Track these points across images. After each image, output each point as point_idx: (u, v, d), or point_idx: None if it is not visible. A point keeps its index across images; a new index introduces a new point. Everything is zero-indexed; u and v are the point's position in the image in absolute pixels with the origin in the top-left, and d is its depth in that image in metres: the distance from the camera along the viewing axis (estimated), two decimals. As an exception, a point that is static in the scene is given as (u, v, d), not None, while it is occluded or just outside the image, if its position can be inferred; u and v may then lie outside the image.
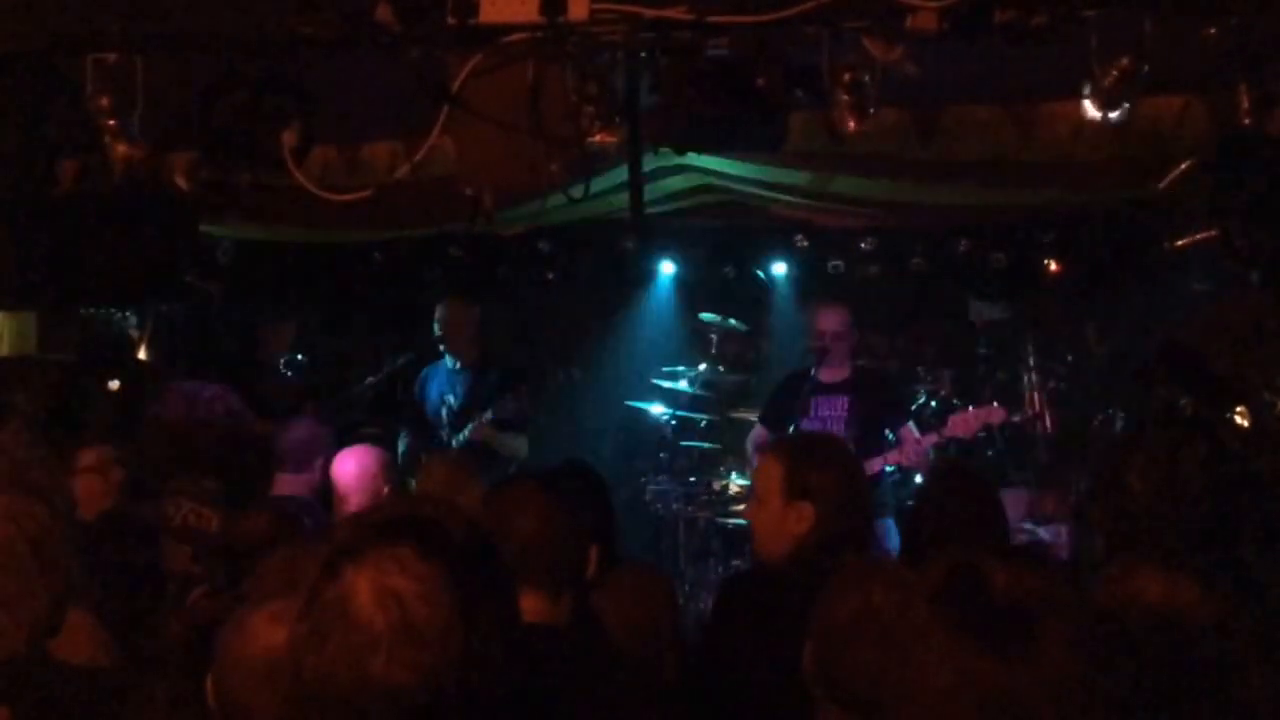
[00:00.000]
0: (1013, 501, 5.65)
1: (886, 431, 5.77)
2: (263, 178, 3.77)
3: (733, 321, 7.41)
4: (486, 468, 5.10)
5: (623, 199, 4.73)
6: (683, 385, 7.28)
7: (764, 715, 2.56)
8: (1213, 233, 4.43)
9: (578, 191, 3.64)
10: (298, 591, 1.48)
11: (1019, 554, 1.46)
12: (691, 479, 7.19)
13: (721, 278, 8.05)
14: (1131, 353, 6.53)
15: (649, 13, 3.32)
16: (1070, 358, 7.16)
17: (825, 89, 3.49)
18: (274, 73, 3.66)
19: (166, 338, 6.85)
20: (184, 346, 7.11)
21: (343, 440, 4.76)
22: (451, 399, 6.25)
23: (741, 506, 6.62)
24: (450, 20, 3.32)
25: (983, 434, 6.16)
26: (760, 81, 3.44)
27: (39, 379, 5.14)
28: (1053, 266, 7.32)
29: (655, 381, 7.45)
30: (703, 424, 7.42)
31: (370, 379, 7.05)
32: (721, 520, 6.92)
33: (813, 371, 5.81)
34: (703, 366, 7.34)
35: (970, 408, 5.96)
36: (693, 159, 5.00)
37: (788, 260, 7.96)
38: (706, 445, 7.42)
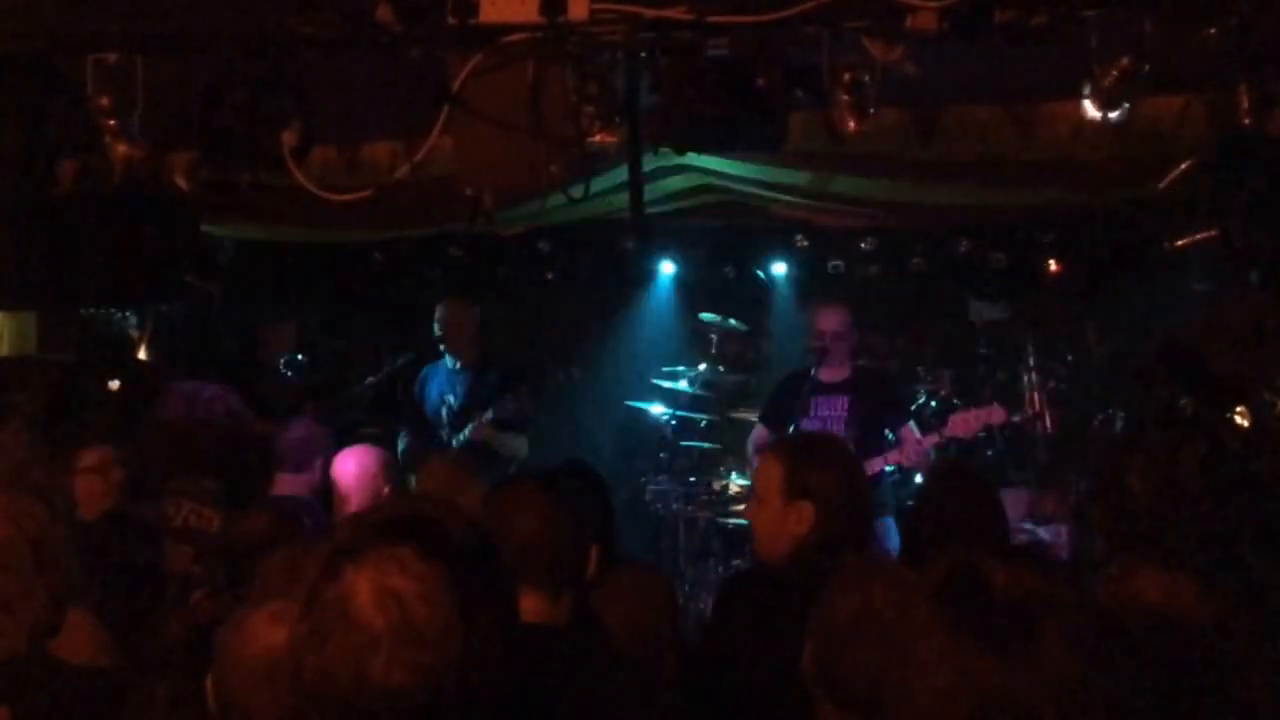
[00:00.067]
0: (1013, 501, 5.65)
1: (887, 431, 5.77)
2: (263, 178, 3.78)
3: (733, 321, 7.41)
4: (486, 468, 5.10)
5: (623, 199, 4.73)
6: (683, 385, 7.28)
7: (764, 715, 2.55)
8: (1213, 233, 4.43)
9: (578, 191, 3.64)
10: (298, 591, 1.48)
11: (1019, 554, 1.46)
12: (691, 479, 7.19)
13: (721, 278, 8.05)
14: (1131, 353, 6.53)
15: (649, 13, 3.32)
16: (1070, 358, 7.16)
17: (825, 89, 3.49)
18: (274, 73, 3.66)
19: (166, 338, 6.86)
20: (184, 346, 7.11)
21: (343, 440, 4.76)
22: (451, 399, 6.25)
23: (741, 506, 6.62)
24: (450, 20, 3.32)
25: (983, 434, 6.16)
26: (760, 81, 3.44)
27: (39, 379, 5.14)
28: (1053, 266, 7.32)
29: (655, 381, 7.45)
30: (703, 424, 7.42)
31: (370, 379, 7.05)
32: (721, 520, 6.92)
33: (813, 371, 5.81)
34: (703, 366, 7.34)
35: (971, 408, 5.96)
36: (693, 159, 5.00)
37: (788, 260, 7.96)
38: (706, 445, 7.42)
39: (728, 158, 5.20)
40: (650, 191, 5.33)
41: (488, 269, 7.87)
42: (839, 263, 7.69)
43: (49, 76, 3.79)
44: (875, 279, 7.66)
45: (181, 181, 4.08)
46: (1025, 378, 6.96)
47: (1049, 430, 6.84)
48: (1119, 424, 6.35)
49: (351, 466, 4.36)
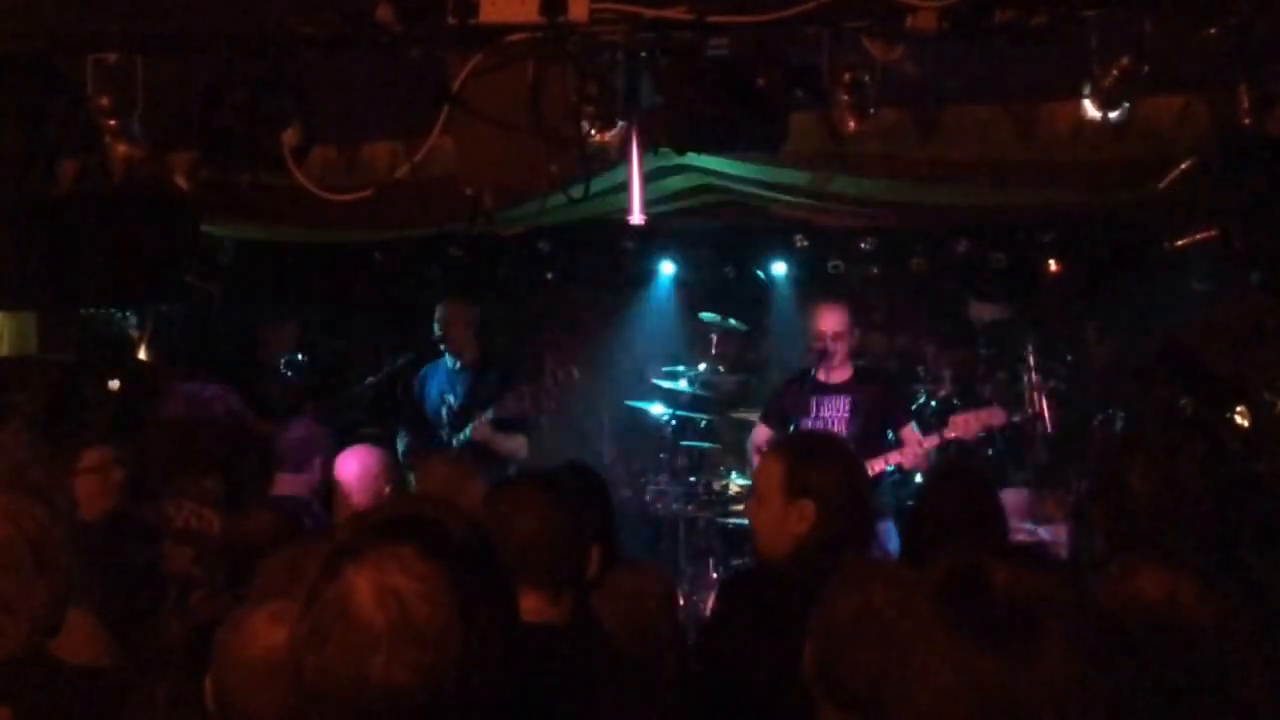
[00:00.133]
0: (1013, 501, 5.65)
1: (888, 432, 5.77)
2: (263, 178, 3.78)
3: (733, 321, 7.41)
4: (486, 468, 5.10)
5: (623, 199, 4.72)
6: (683, 385, 7.28)
7: (764, 715, 2.55)
8: (1213, 233, 4.44)
9: (578, 191, 3.64)
10: (298, 591, 1.48)
11: (1019, 554, 1.46)
12: (691, 479, 7.19)
13: (721, 278, 8.06)
14: (1131, 353, 6.53)
15: (649, 13, 3.32)
16: (1070, 358, 7.16)
17: (825, 89, 3.49)
18: (274, 73, 3.66)
19: (166, 338, 6.86)
20: (184, 346, 7.11)
21: (343, 440, 4.76)
22: (451, 399, 6.25)
23: (741, 506, 6.63)
24: (450, 20, 3.32)
25: (983, 435, 6.16)
26: (760, 81, 3.44)
27: (39, 379, 5.14)
28: (1053, 266, 7.33)
29: (655, 381, 7.45)
30: (703, 424, 7.42)
31: (370, 379, 7.05)
32: (721, 520, 6.92)
33: (813, 372, 5.82)
34: (703, 366, 7.34)
35: (971, 409, 5.96)
36: (693, 159, 5.00)
37: (788, 260, 7.97)
38: (706, 445, 7.42)
39: (728, 158, 5.20)
40: (650, 191, 5.33)
41: (488, 269, 7.87)
42: (839, 263, 7.70)
43: (49, 76, 3.79)
44: (875, 279, 7.66)
45: (181, 181, 4.08)
46: (1025, 378, 6.94)
47: (1049, 430, 6.83)
48: (1119, 424, 6.35)
49: (353, 466, 4.36)
